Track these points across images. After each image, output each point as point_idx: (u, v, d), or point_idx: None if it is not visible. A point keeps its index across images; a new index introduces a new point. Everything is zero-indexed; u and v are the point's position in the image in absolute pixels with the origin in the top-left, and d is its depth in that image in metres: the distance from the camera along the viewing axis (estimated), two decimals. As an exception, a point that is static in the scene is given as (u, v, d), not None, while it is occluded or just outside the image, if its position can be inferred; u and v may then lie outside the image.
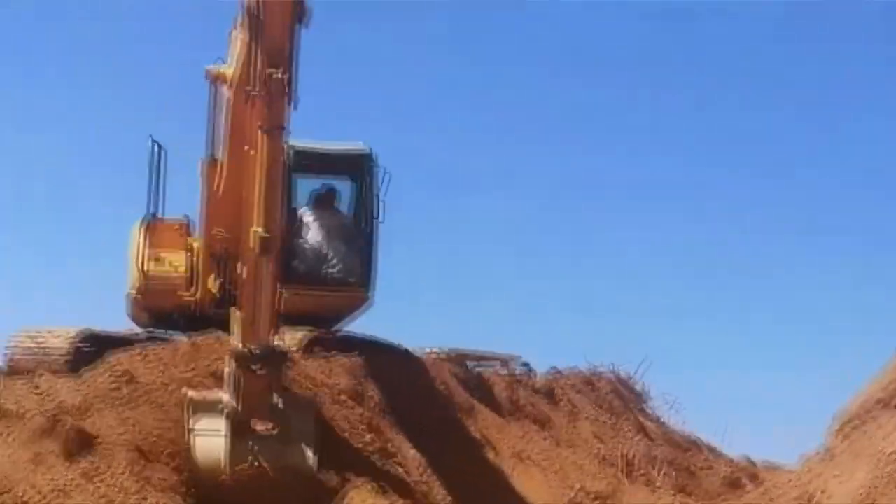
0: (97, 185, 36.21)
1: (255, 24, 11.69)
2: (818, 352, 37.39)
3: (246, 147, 12.46)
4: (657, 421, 20.00)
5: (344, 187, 17.13)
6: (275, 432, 12.41)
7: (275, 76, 11.61)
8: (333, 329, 16.50)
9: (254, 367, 12.11)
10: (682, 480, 17.69)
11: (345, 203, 17.08)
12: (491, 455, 15.79)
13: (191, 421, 12.61)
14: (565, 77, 42.40)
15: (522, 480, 15.82)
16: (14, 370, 15.51)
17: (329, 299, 16.43)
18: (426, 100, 43.56)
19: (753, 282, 39.49)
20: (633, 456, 17.54)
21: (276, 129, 11.92)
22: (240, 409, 12.25)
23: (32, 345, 15.88)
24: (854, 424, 12.82)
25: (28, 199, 37.26)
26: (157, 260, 16.67)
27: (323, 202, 16.86)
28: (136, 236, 16.80)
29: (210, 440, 12.45)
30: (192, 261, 16.49)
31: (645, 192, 41.80)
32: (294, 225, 16.50)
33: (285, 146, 16.10)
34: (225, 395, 12.39)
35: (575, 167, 42.05)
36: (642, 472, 17.36)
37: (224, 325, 15.32)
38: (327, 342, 15.58)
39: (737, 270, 39.09)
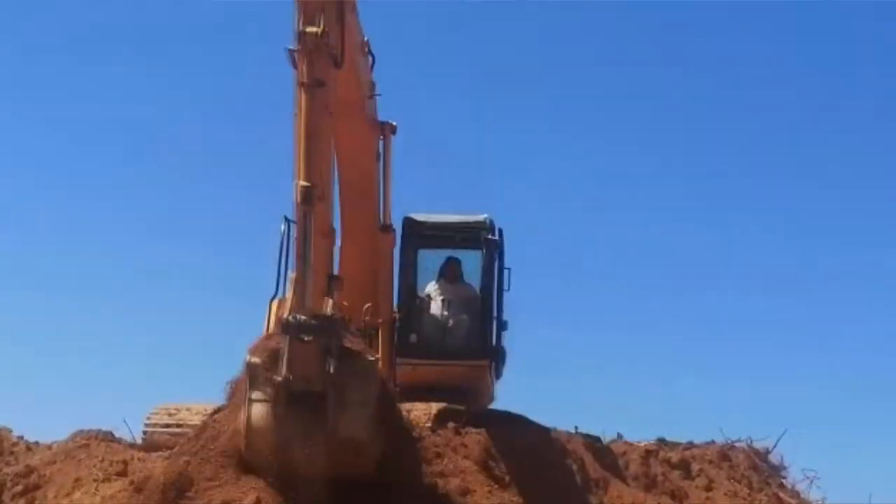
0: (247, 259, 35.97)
1: None
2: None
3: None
4: (796, 496, 18.98)
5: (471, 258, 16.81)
6: (331, 402, 11.38)
7: (310, 31, 11.39)
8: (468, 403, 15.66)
9: (302, 335, 11.29)
10: (822, 558, 16.72)
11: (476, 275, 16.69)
12: (626, 530, 15.10)
13: (250, 389, 11.69)
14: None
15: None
16: (151, 446, 15.16)
17: (449, 371, 15.86)
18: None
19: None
20: (770, 531, 16.62)
21: (314, 85, 11.54)
22: (291, 378, 11.31)
23: (170, 420, 15.47)
24: None
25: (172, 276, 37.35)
26: None
27: (448, 275, 16.55)
28: (268, 313, 16.33)
29: (265, 408, 11.56)
30: None
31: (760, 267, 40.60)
32: (420, 299, 16.23)
33: (411, 219, 16.40)
34: (282, 364, 11.45)
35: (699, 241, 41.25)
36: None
37: None
38: (460, 415, 14.84)
39: (879, 337, 38.15)
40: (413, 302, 16.19)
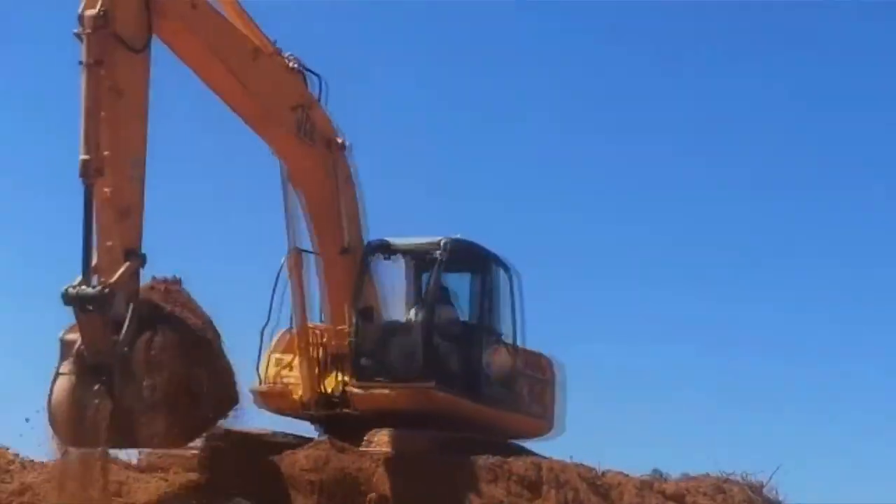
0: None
1: None
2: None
3: None
4: None
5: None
6: (116, 373, 11.60)
7: (87, 14, 11.84)
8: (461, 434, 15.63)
9: (85, 307, 11.50)
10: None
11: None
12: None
13: (59, 363, 11.97)
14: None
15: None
16: (148, 467, 15.14)
17: (397, 394, 15.44)
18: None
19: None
20: (766, 565, 16.42)
21: (92, 64, 11.87)
22: (83, 349, 11.67)
23: (165, 442, 15.33)
24: None
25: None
26: (275, 363, 16.29)
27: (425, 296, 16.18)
28: (260, 341, 16.27)
29: (67, 380, 11.84)
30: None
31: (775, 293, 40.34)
32: (376, 324, 15.89)
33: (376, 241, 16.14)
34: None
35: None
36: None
37: (331, 427, 15.83)
38: (457, 444, 14.97)
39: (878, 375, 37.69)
40: (368, 325, 15.77)
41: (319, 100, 15.58)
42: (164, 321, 12.09)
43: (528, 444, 17.22)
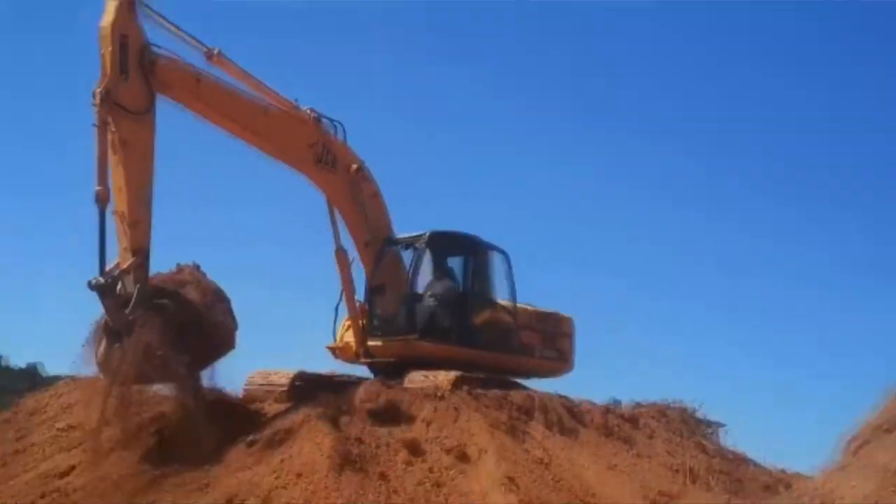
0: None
1: None
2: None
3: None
4: (715, 442, 20.59)
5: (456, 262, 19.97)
6: (124, 336, 14.55)
7: (96, 90, 14.50)
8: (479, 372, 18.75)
9: (99, 292, 14.43)
10: (733, 487, 18.43)
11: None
12: (591, 464, 17.24)
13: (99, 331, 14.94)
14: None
15: (614, 485, 16.80)
16: (249, 399, 18.31)
17: (393, 346, 18.68)
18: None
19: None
20: (696, 467, 18.48)
21: (99, 125, 14.55)
22: (107, 321, 14.69)
23: (262, 381, 18.46)
24: (859, 443, 13.45)
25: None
26: (346, 327, 19.74)
27: (435, 274, 19.67)
28: (335, 315, 19.66)
29: (102, 343, 15.01)
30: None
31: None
32: (382, 294, 19.02)
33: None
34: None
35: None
36: (702, 479, 18.27)
37: (378, 371, 19.31)
38: (473, 382, 17.92)
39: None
40: (378, 297, 19.02)
41: (345, 139, 18.20)
42: (162, 296, 15.10)
43: (542, 382, 20.18)
